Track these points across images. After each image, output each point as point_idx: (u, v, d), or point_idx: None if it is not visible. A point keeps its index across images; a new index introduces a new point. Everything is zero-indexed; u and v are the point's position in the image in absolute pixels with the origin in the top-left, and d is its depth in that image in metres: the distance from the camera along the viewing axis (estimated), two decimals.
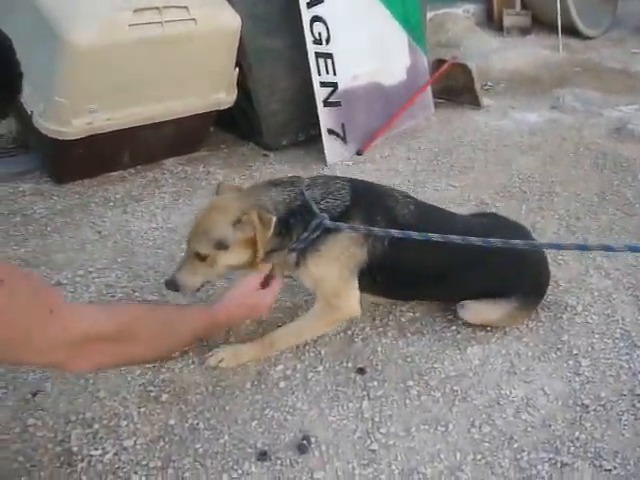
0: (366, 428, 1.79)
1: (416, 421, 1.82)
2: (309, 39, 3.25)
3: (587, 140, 3.73)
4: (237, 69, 3.26)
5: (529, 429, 1.80)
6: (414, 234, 1.76)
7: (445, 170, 3.39)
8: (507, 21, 5.72)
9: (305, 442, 1.72)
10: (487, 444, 1.75)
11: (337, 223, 1.89)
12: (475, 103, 4.28)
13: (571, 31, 5.72)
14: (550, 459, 1.71)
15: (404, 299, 2.27)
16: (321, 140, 3.47)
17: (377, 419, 1.82)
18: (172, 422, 1.79)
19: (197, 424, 1.79)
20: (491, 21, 5.96)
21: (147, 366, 1.98)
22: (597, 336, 2.16)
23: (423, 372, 1.99)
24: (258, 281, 1.91)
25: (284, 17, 3.38)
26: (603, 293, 2.39)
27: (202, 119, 3.33)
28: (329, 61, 3.37)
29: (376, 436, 1.76)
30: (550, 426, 1.81)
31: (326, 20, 3.32)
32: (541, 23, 5.93)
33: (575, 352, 2.09)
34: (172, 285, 1.92)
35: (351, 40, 3.48)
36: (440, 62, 4.25)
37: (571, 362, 2.05)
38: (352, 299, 2.01)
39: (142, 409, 1.83)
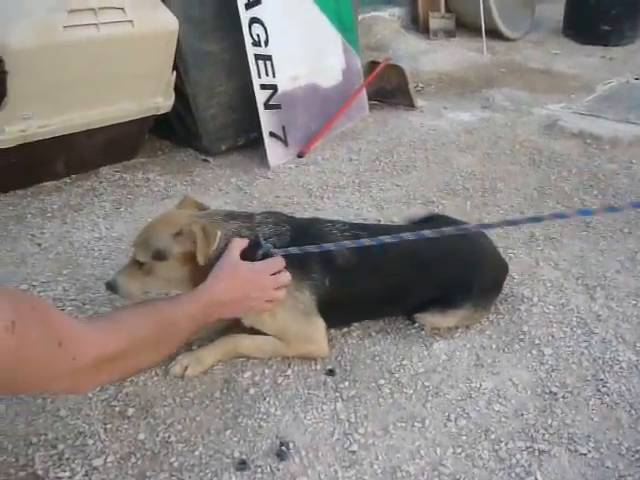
0: (343, 430, 1.75)
1: (392, 419, 1.80)
2: (248, 41, 3.20)
3: (521, 137, 3.84)
4: (174, 73, 3.17)
5: (503, 419, 1.81)
6: (366, 241, 1.82)
7: (388, 170, 3.40)
8: (433, 24, 5.83)
9: (284, 448, 1.67)
10: (465, 437, 1.75)
11: (285, 249, 1.87)
12: (409, 104, 4.33)
13: (494, 33, 5.88)
14: (527, 447, 1.72)
15: (355, 322, 2.22)
16: (261, 143, 3.43)
17: (353, 420, 1.79)
18: (142, 437, 1.70)
19: (168, 437, 1.70)
20: (416, 24, 6.06)
21: None
22: (555, 325, 2.21)
23: (393, 370, 1.98)
24: (242, 245, 1.78)
25: (219, 20, 3.33)
26: (555, 284, 2.44)
27: (139, 125, 3.22)
28: (268, 63, 3.33)
29: (354, 437, 1.73)
30: (523, 415, 1.83)
31: (264, 22, 3.28)
32: (464, 26, 6.08)
33: (537, 342, 2.13)
34: (111, 286, 1.91)
35: (288, 42, 3.46)
36: (373, 64, 4.28)
37: (534, 352, 2.08)
38: (319, 340, 2.00)
39: (108, 425, 1.73)
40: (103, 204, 2.94)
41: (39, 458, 1.62)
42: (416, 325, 2.17)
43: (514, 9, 6.16)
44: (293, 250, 1.84)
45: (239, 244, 1.79)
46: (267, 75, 3.33)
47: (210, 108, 3.40)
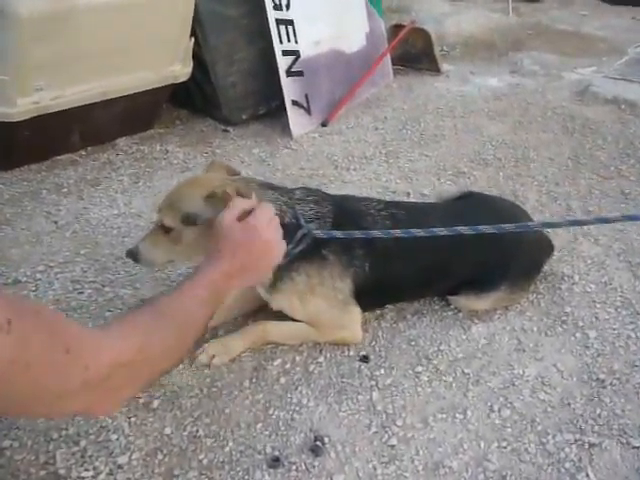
0: (381, 422, 1.66)
1: (432, 410, 1.70)
2: (269, 5, 3.05)
3: (552, 104, 3.67)
4: (192, 39, 3.03)
5: (549, 409, 1.71)
6: (419, 231, 1.69)
7: (416, 139, 3.26)
8: None
9: (318, 443, 1.58)
10: (509, 429, 1.65)
11: (329, 232, 1.75)
12: (434, 69, 4.16)
13: None
14: (576, 440, 1.62)
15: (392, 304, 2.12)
16: (283, 112, 3.31)
17: (390, 411, 1.69)
18: (168, 431, 1.62)
19: (196, 431, 1.62)
20: None
21: None
22: (599, 306, 2.09)
23: (430, 356, 1.88)
24: (243, 206, 1.53)
25: None
26: (596, 260, 2.32)
27: (157, 94, 3.09)
28: (290, 28, 3.18)
29: (393, 430, 1.63)
30: (569, 404, 1.73)
31: None
32: None
33: (580, 324, 2.01)
34: (132, 254, 1.76)
35: (310, 5, 3.31)
36: (397, 27, 4.12)
37: (578, 335, 1.97)
38: (353, 326, 1.90)
39: (132, 419, 1.64)
40: (121, 178, 2.83)
41: (60, 456, 1.53)
42: (452, 307, 2.07)
43: None
44: (338, 234, 1.72)
45: (241, 204, 1.53)
46: (289, 41, 3.18)
47: (230, 75, 3.26)
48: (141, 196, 2.70)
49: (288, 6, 3.15)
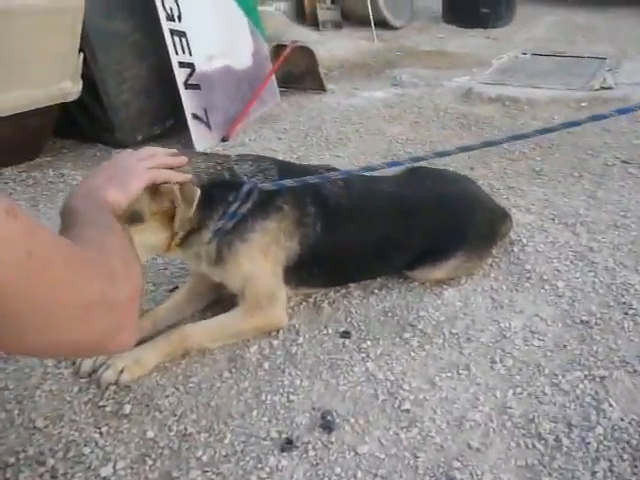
0: (386, 389, 1.51)
1: (433, 371, 1.58)
2: (162, 15, 2.90)
3: (442, 106, 3.77)
4: (82, 55, 2.80)
5: (548, 353, 1.64)
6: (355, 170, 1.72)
7: (323, 144, 3.20)
8: (322, 15, 5.74)
9: (329, 418, 1.40)
10: (518, 377, 1.56)
11: (277, 182, 1.61)
12: (319, 87, 4.15)
13: (378, 23, 5.85)
14: (586, 376, 1.56)
15: (344, 284, 1.96)
16: (180, 130, 3.19)
17: (392, 378, 1.55)
18: (151, 434, 1.37)
19: (185, 429, 1.38)
20: (302, 17, 5.95)
21: (84, 380, 1.53)
22: (555, 261, 2.09)
23: (412, 322, 1.76)
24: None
25: None
26: (534, 226, 2.33)
27: (45, 116, 2.81)
28: (184, 40, 3.04)
29: (402, 395, 1.49)
30: (565, 347, 1.67)
31: None
32: (347, 18, 6.06)
33: (545, 277, 1.99)
34: None
35: (201, 19, 3.19)
36: (280, 47, 4.08)
37: (547, 287, 1.94)
38: (282, 304, 1.73)
39: (103, 429, 1.38)
40: (18, 203, 2.51)
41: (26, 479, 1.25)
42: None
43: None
44: (288, 182, 1.59)
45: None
46: (184, 52, 3.03)
47: (122, 94, 3.04)
48: (44, 218, 2.41)
49: (180, 17, 3.02)
